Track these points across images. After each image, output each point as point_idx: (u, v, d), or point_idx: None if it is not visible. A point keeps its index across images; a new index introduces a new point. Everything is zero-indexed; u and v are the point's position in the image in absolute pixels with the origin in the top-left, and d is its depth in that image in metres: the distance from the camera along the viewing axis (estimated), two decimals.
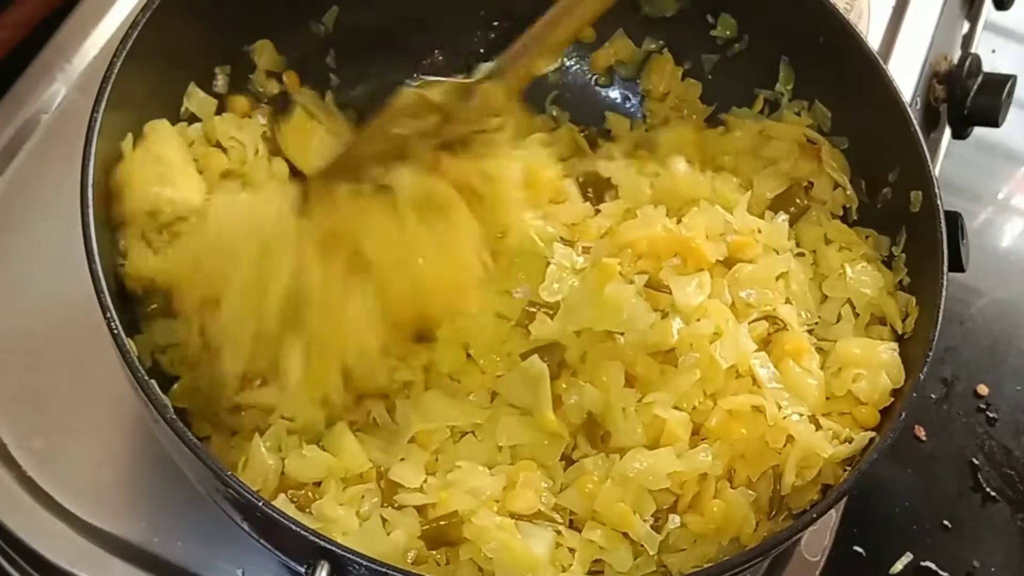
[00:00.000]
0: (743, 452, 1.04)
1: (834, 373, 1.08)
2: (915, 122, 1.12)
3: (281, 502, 0.98)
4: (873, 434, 1.03)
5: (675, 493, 1.03)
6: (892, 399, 1.06)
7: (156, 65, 1.08)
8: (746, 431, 1.03)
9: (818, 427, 1.05)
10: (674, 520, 1.02)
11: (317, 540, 0.86)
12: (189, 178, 1.12)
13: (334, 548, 0.85)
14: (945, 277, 1.05)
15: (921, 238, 1.11)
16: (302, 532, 0.86)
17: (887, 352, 1.08)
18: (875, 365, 1.07)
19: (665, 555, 1.02)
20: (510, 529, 0.99)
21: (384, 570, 0.86)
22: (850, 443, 1.03)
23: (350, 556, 0.85)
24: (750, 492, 1.03)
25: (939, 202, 1.08)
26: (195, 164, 1.14)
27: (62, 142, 1.30)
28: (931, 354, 1.02)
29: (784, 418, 1.03)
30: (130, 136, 1.07)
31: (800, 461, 1.02)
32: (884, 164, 1.15)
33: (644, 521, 1.01)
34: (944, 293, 1.04)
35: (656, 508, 1.02)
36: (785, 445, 1.03)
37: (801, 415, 1.04)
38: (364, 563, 0.85)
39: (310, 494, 1.01)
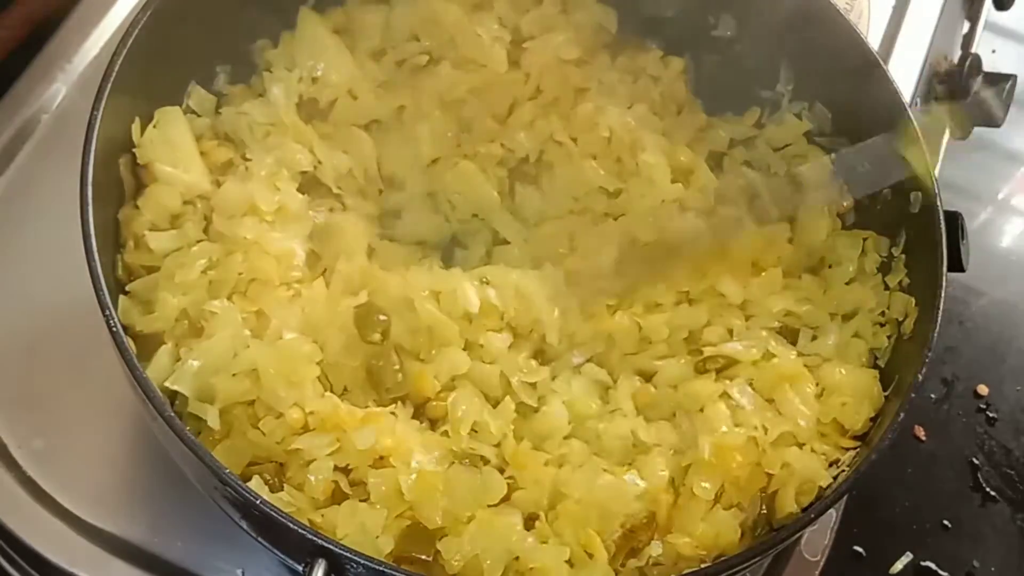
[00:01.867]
0: (736, 477, 1.04)
1: (818, 396, 1.09)
2: (915, 122, 1.12)
3: (256, 484, 0.97)
4: (856, 448, 1.05)
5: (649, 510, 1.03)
6: (870, 424, 1.07)
7: (156, 64, 1.08)
8: (741, 458, 1.04)
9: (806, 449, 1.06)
10: (656, 547, 1.01)
11: (314, 538, 0.86)
12: (198, 164, 1.13)
13: (331, 546, 0.85)
14: (945, 277, 1.05)
15: (921, 238, 1.10)
16: (299, 530, 0.86)
17: (869, 378, 1.09)
18: (859, 393, 1.08)
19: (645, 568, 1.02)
20: (487, 520, 0.98)
21: (381, 568, 0.86)
22: (837, 464, 1.04)
23: (347, 554, 0.85)
24: (740, 512, 1.03)
25: (939, 202, 1.08)
26: (201, 157, 1.15)
27: (62, 142, 1.30)
28: (931, 354, 1.02)
29: (772, 442, 1.04)
30: (138, 120, 1.08)
31: (798, 488, 1.03)
32: None
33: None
34: (944, 293, 1.04)
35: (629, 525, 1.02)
36: (781, 469, 1.03)
37: (796, 443, 1.06)
38: (361, 561, 0.85)
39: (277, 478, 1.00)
